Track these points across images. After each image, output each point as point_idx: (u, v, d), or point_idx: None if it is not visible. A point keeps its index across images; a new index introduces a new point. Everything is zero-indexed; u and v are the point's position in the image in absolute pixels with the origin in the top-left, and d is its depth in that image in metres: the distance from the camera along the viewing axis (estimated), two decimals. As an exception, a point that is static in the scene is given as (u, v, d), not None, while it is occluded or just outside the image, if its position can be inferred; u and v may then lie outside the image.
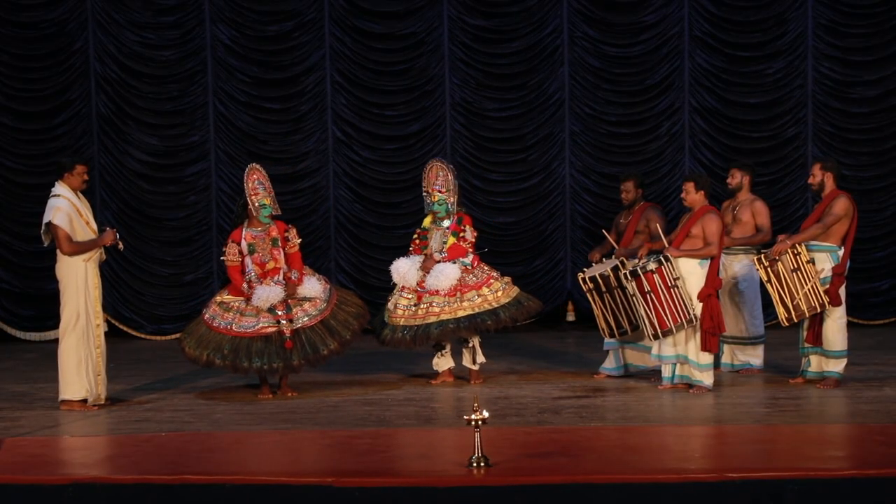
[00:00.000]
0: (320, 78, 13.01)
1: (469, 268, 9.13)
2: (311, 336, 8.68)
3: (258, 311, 8.65)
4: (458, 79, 13.01)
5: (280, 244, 8.81)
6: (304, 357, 8.63)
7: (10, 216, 12.88)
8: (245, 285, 8.72)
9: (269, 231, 8.81)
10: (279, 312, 8.65)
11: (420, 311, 9.01)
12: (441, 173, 9.24)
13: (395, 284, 9.26)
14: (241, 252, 8.76)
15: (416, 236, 9.38)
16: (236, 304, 8.73)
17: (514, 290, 9.20)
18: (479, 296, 9.04)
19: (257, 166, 8.94)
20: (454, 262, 9.08)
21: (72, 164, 8.35)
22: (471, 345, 9.21)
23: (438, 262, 9.10)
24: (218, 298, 8.87)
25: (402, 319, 9.05)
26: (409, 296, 9.12)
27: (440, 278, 9.02)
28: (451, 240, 9.19)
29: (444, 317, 8.95)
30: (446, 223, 9.25)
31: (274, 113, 13.06)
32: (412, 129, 13.08)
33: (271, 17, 12.98)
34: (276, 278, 8.74)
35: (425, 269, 9.11)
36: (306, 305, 8.76)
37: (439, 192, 9.20)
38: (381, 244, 12.78)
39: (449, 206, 9.21)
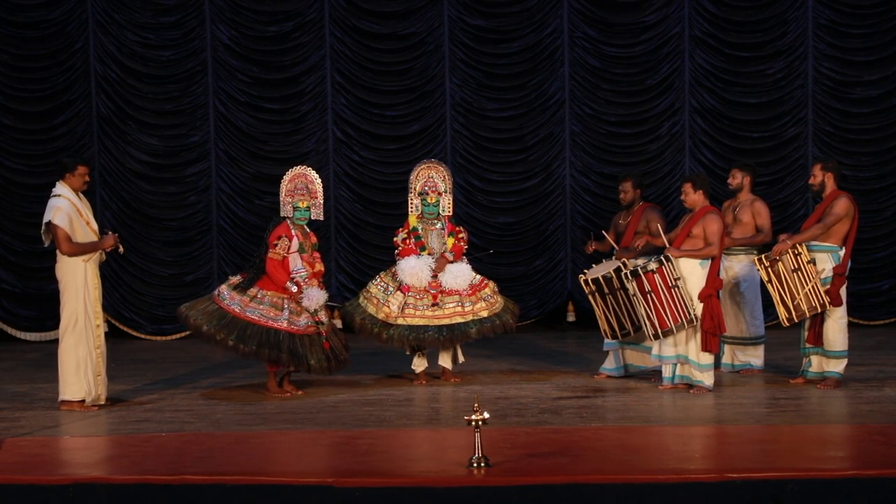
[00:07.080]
0: (320, 78, 13.01)
1: None
2: (333, 339, 8.77)
3: (301, 311, 8.66)
4: (458, 79, 13.01)
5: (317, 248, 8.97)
6: (336, 358, 8.71)
7: (10, 216, 12.88)
8: (291, 284, 8.67)
9: (310, 235, 8.87)
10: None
11: (446, 311, 9.02)
12: (436, 174, 9.28)
13: (384, 285, 9.21)
14: (289, 249, 8.74)
15: (405, 237, 9.26)
16: (280, 300, 8.65)
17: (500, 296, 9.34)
18: (491, 296, 9.14)
19: (305, 171, 8.89)
20: (463, 262, 9.15)
21: (74, 165, 8.30)
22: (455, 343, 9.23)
23: (451, 262, 9.13)
24: (257, 294, 8.63)
25: (423, 319, 8.99)
26: (421, 296, 9.08)
27: (459, 278, 9.07)
28: (451, 240, 9.21)
29: (477, 315, 9.01)
30: (439, 224, 9.26)
31: (274, 113, 13.06)
32: (412, 130, 13.07)
33: (271, 17, 12.98)
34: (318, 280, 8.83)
35: (439, 269, 9.11)
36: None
37: (438, 193, 9.21)
38: (381, 244, 12.75)
39: (443, 207, 9.24)
